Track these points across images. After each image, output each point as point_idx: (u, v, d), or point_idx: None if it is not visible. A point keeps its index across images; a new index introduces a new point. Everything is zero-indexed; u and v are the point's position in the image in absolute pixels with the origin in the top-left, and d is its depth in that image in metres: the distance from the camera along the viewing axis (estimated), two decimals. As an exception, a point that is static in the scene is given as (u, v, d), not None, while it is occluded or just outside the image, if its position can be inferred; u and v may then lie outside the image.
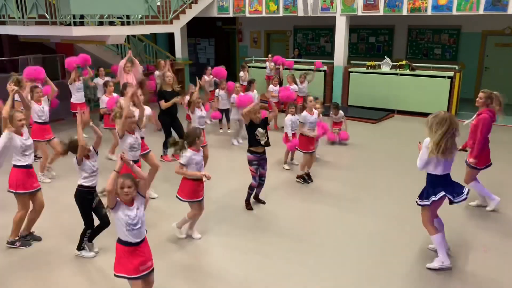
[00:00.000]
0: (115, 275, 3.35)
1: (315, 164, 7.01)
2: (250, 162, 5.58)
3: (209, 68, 10.42)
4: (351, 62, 12.41)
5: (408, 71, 11.28)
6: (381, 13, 11.11)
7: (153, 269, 3.43)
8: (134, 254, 3.28)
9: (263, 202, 5.86)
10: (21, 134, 4.55)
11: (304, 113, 6.53)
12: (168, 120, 7.23)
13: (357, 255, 4.60)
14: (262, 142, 5.50)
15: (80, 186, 4.26)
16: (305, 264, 4.42)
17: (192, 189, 4.66)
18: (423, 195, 4.25)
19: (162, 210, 5.67)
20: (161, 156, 7.51)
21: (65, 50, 11.22)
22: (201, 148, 4.71)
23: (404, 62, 11.51)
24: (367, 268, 4.35)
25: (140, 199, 3.33)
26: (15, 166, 4.53)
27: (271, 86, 10.05)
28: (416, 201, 4.31)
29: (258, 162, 5.56)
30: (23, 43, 11.19)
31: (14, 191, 4.51)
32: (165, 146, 7.53)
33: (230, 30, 17.41)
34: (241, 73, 11.07)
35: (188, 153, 4.55)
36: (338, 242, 4.89)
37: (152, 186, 5.98)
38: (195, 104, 6.69)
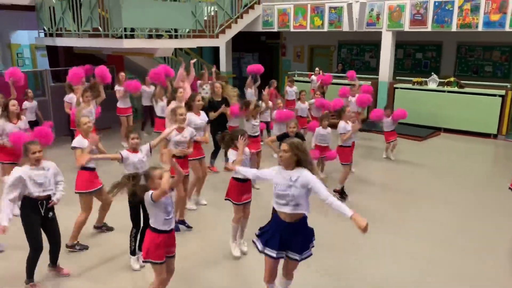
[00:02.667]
0: (144, 261, 3.64)
1: (353, 179, 6.90)
2: None
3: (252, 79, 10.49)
4: (397, 78, 12.18)
5: (456, 89, 10.94)
6: (429, 29, 10.88)
7: (174, 256, 3.74)
8: (165, 241, 3.58)
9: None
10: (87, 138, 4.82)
11: (342, 123, 6.46)
12: (218, 130, 7.13)
13: (399, 277, 4.45)
14: None
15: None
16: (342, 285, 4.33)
17: (237, 191, 4.63)
18: None
19: (209, 217, 5.78)
20: (208, 167, 7.51)
21: (116, 62, 11.69)
22: (248, 151, 4.69)
23: (452, 79, 11.18)
24: (410, 290, 4.21)
25: (170, 192, 3.63)
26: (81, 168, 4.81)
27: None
28: None
29: None
30: (77, 54, 11.74)
31: (79, 191, 4.79)
32: (213, 156, 7.64)
33: (273, 45, 17.55)
34: (288, 87, 11.03)
35: (231, 155, 4.51)
36: (378, 263, 4.76)
37: (202, 193, 6.23)
38: (251, 113, 6.81)
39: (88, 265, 4.60)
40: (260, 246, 3.54)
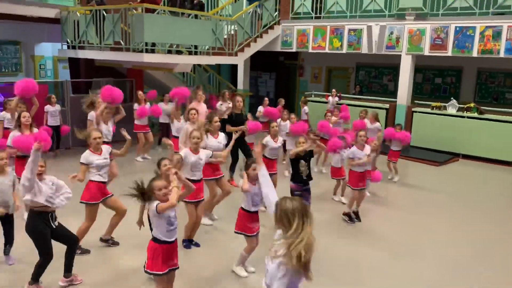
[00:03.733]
0: (146, 271, 3.60)
1: (367, 202, 6.76)
2: (292, 192, 5.46)
3: (266, 99, 10.52)
4: (415, 101, 12.07)
5: (476, 115, 10.78)
6: (449, 53, 10.80)
7: (177, 268, 3.70)
8: (167, 252, 3.56)
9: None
10: (99, 153, 4.83)
11: (354, 148, 6.36)
12: (236, 144, 6.91)
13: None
14: (304, 176, 5.41)
15: None
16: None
17: (247, 221, 4.48)
18: None
19: (218, 232, 5.67)
20: (228, 180, 7.47)
21: (135, 76, 11.85)
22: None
23: (472, 105, 11.03)
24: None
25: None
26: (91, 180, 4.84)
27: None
28: None
29: (301, 192, 5.43)
30: (98, 67, 11.94)
31: (84, 201, 4.79)
32: (232, 169, 7.60)
33: (291, 65, 17.63)
34: (306, 108, 11.01)
35: (245, 184, 4.35)
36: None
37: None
38: (272, 134, 6.66)
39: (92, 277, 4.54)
40: None
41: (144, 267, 3.62)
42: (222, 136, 6.04)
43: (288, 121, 8.55)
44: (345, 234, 5.97)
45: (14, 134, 5.60)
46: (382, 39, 11.56)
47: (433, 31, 10.94)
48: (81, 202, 4.81)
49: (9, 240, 4.66)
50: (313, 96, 13.72)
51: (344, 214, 6.46)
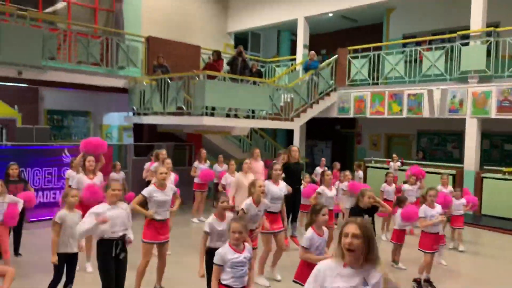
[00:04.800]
0: None
1: (438, 270, 6.10)
2: None
3: (324, 159, 10.33)
4: (484, 167, 11.32)
5: (555, 180, 9.86)
6: (519, 116, 10.22)
7: None
8: None
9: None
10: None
11: (424, 206, 5.86)
12: (291, 195, 6.69)
13: None
14: None
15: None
16: None
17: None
18: None
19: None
20: (291, 236, 7.30)
21: (194, 140, 12.18)
22: (324, 230, 4.30)
23: (549, 170, 10.16)
24: None
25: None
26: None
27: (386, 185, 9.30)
28: None
29: None
30: (160, 133, 12.44)
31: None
32: (292, 223, 7.37)
33: (348, 134, 17.48)
34: (360, 172, 10.73)
35: (308, 233, 4.15)
36: None
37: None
38: (326, 182, 6.65)
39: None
40: None
41: None
42: (283, 184, 5.93)
43: (346, 182, 8.36)
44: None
45: (75, 175, 5.88)
46: (444, 102, 11.20)
47: (500, 93, 10.47)
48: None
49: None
50: (373, 162, 13.30)
51: (414, 280, 5.85)
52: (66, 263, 4.52)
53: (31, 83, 11.13)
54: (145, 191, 4.82)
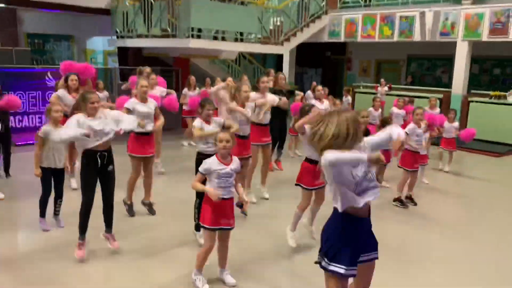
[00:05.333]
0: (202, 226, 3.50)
1: (421, 189, 6.31)
2: None
3: (314, 82, 10.21)
4: (472, 91, 11.37)
5: (540, 104, 9.98)
6: (510, 38, 10.07)
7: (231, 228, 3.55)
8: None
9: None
10: None
11: (412, 125, 5.90)
12: (277, 122, 6.73)
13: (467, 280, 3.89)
14: None
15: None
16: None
17: (310, 174, 4.11)
18: None
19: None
20: (275, 160, 7.39)
21: (181, 65, 11.91)
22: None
23: (536, 94, 10.24)
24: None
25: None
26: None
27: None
28: None
29: None
30: (145, 57, 12.11)
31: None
32: (278, 149, 7.44)
33: (338, 60, 17.22)
34: (349, 97, 10.73)
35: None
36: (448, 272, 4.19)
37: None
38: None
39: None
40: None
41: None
42: (272, 95, 5.87)
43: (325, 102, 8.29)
44: (397, 217, 5.57)
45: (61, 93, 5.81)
46: (436, 25, 10.98)
47: (493, 15, 10.24)
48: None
49: None
50: (361, 87, 13.27)
51: (395, 200, 6.02)
52: (53, 178, 4.57)
53: (7, 3, 10.56)
54: (128, 104, 4.79)
